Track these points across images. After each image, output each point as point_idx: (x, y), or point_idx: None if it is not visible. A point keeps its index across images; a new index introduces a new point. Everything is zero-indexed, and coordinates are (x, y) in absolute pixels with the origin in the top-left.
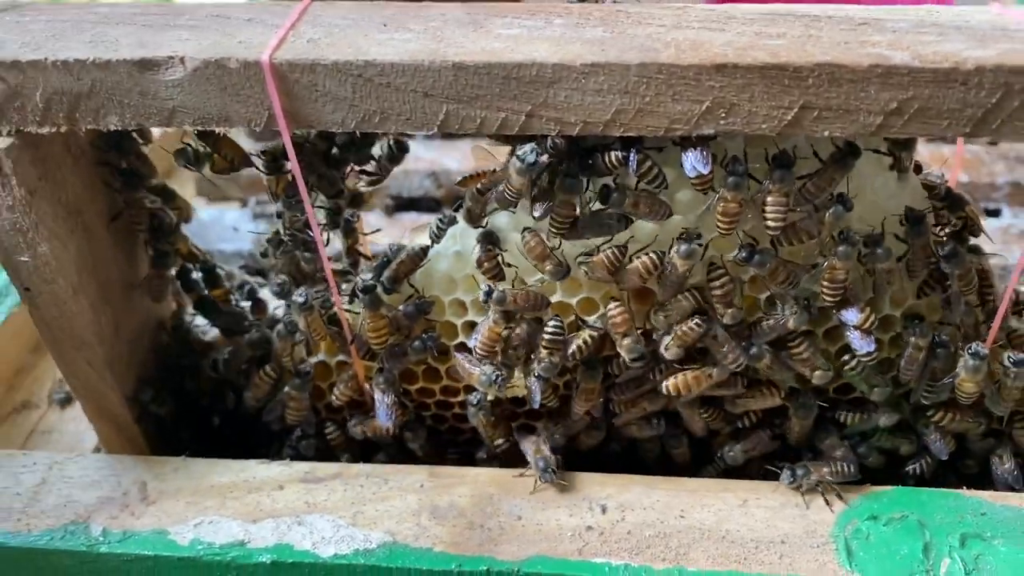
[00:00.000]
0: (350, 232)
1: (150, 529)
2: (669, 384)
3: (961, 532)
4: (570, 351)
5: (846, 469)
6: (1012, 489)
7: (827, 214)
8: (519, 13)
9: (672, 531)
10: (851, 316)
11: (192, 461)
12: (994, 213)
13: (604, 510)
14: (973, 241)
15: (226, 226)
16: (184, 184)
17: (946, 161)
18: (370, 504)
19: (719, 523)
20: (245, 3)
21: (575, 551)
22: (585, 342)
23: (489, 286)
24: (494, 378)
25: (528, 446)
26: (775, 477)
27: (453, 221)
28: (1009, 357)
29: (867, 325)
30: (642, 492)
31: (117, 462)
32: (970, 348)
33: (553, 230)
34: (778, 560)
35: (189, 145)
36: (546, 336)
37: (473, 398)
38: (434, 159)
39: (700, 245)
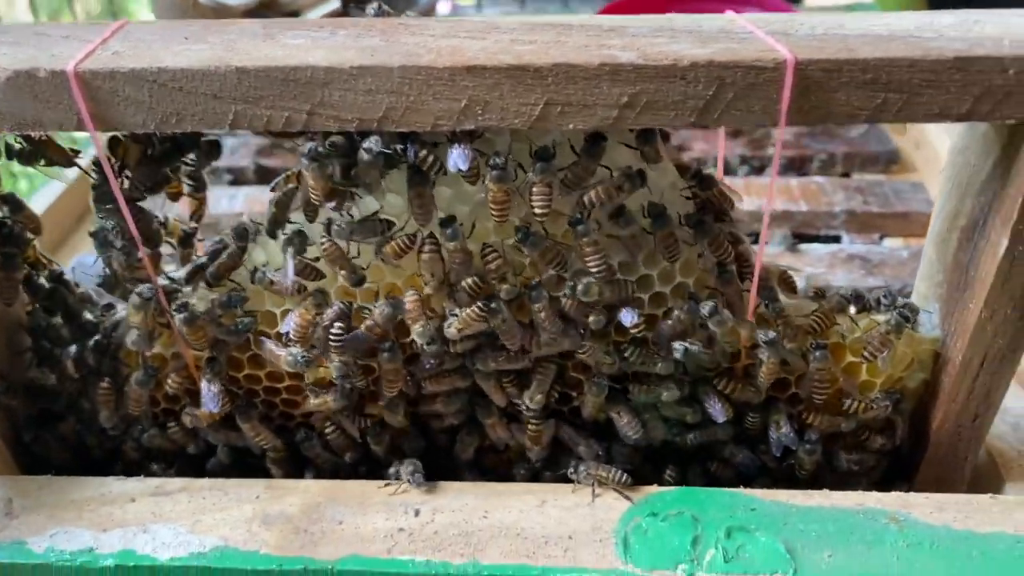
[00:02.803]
0: (188, 243)
1: (10, 540)
2: (453, 328)
3: (728, 525)
4: (361, 334)
5: (620, 476)
6: (788, 450)
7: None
8: (310, 26)
9: (474, 530)
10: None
11: (56, 479)
12: (835, 239)
13: (417, 513)
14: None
15: None
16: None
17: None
18: (209, 514)
19: (517, 522)
20: (68, 23)
21: (385, 550)
22: (370, 327)
23: (255, 267)
24: (300, 359)
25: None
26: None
27: (245, 235)
28: (762, 336)
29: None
30: (454, 496)
31: None
32: (701, 308)
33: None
34: (563, 554)
35: (13, 143)
36: (331, 340)
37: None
38: None
39: (459, 225)
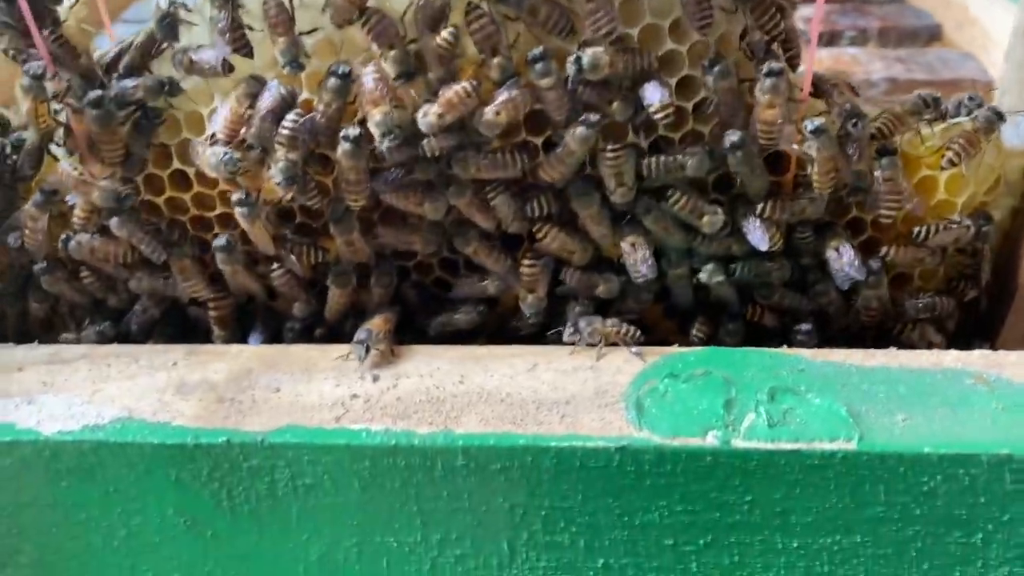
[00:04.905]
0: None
1: None
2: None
3: (771, 386)
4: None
5: (631, 332)
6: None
7: None
8: None
9: (447, 396)
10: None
11: None
12: None
13: (375, 379)
14: None
15: None
16: None
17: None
18: (113, 383)
19: (500, 387)
20: None
21: (332, 419)
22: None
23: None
24: (224, 159)
25: (371, 319)
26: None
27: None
28: (807, 125)
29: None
30: (423, 361)
31: None
32: (764, 68)
33: None
34: (558, 420)
35: None
36: (283, 131)
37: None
38: None
39: None
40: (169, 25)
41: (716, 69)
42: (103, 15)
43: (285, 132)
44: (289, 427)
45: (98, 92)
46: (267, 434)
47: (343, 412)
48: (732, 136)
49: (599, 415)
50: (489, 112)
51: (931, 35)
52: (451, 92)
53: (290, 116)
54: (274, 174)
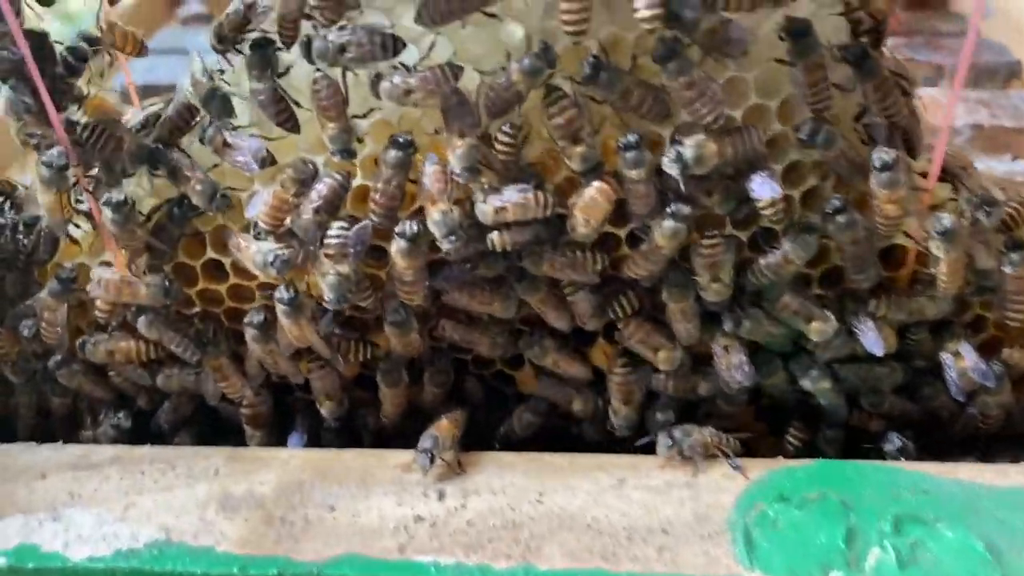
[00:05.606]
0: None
1: None
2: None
3: (895, 514)
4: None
5: (731, 444)
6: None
7: None
8: None
9: (524, 520)
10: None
11: None
12: None
13: (441, 496)
14: None
15: None
16: None
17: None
18: (148, 494)
19: (584, 509)
20: None
21: (395, 548)
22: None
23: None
24: (271, 258)
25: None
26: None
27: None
28: (934, 225)
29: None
30: (495, 472)
31: None
32: (873, 157)
33: None
34: (656, 555)
35: None
36: (331, 241)
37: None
38: None
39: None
40: (222, 102)
41: (819, 138)
42: (132, 93)
43: (333, 242)
44: (346, 557)
45: (119, 195)
46: (322, 565)
47: (408, 539)
48: (834, 202)
49: (702, 548)
50: (579, 222)
51: (1011, 72)
52: (520, 197)
53: (337, 225)
54: (324, 291)
